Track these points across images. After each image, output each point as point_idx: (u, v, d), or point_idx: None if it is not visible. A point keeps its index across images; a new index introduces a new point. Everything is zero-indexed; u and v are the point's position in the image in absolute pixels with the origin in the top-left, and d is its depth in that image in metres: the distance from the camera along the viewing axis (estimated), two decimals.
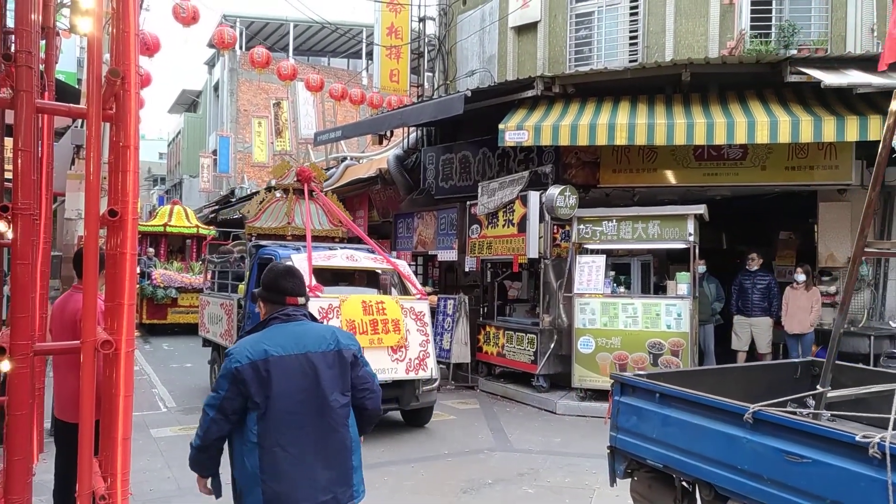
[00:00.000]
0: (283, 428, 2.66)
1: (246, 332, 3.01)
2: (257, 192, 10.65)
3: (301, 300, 2.88)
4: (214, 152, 30.03)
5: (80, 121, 6.67)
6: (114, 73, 2.45)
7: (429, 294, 8.48)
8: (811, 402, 3.96)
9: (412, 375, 6.89)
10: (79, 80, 15.31)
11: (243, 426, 2.68)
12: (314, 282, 6.67)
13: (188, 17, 8.39)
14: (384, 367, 6.67)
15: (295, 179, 8.88)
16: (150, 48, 8.72)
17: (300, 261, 6.85)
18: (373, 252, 8.04)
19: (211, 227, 18.73)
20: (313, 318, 2.94)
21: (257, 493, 2.62)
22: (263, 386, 2.63)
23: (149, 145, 55.67)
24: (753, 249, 9.97)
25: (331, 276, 7.47)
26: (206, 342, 9.78)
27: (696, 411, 3.47)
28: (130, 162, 2.51)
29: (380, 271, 8.26)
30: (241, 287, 8.21)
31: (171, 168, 44.59)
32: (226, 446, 2.76)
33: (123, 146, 2.51)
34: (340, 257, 7.45)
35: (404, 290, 7.78)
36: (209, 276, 10.63)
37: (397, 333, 6.82)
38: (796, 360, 5.15)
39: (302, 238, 8.18)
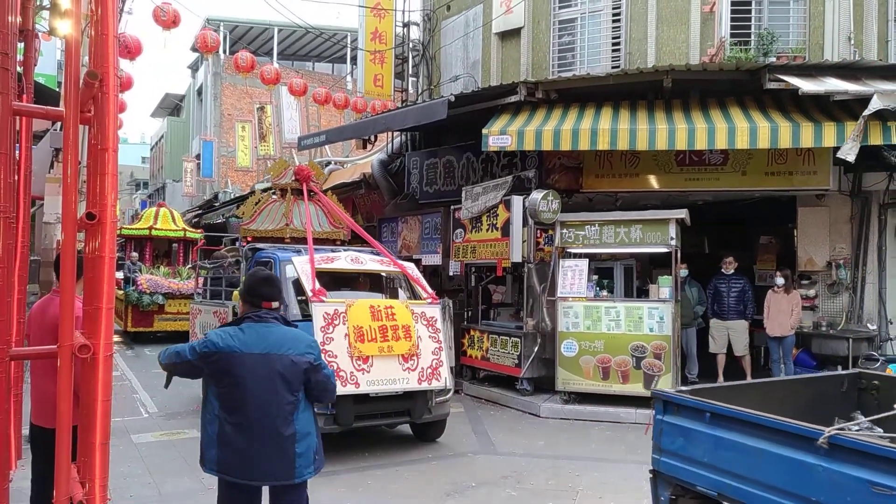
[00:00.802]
0: (237, 410, 3.19)
1: (231, 322, 3.48)
2: (252, 193, 10.29)
3: (275, 304, 3.38)
4: (198, 156, 29.85)
5: (59, 124, 6.60)
6: (92, 75, 2.43)
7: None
8: (860, 417, 3.68)
9: (425, 386, 6.36)
10: (59, 83, 15.14)
11: (208, 400, 3.28)
12: (317, 285, 6.24)
13: (168, 21, 8.34)
14: (395, 376, 6.21)
15: (293, 179, 8.39)
16: (132, 51, 8.66)
17: (301, 263, 6.45)
18: (378, 254, 7.61)
19: (199, 231, 17.96)
20: (285, 322, 3.41)
21: (213, 453, 3.22)
22: (225, 373, 3.19)
23: (131, 149, 55.20)
24: (738, 253, 10.09)
25: (332, 281, 6.91)
26: None
27: (755, 433, 3.12)
28: (109, 165, 2.49)
29: (385, 274, 7.76)
30: (237, 294, 7.94)
31: (154, 172, 44.22)
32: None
33: (102, 149, 2.49)
34: (344, 259, 6.94)
35: (412, 295, 7.33)
36: (200, 283, 10.03)
37: (408, 340, 6.32)
38: (842, 372, 4.88)
39: (301, 241, 7.79)
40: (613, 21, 10.77)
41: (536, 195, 8.56)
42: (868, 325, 9.48)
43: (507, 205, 9.02)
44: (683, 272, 9.08)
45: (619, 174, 9.74)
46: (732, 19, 9.98)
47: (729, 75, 8.61)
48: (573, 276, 8.42)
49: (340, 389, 5.50)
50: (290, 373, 3.23)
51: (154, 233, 15.97)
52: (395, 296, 7.49)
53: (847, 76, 8.22)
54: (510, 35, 11.70)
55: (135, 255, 15.71)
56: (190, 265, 15.49)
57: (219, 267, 9.17)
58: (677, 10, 10.33)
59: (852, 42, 9.86)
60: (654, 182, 9.67)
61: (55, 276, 3.91)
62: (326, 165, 17.10)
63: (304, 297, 6.50)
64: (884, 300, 9.65)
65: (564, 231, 8.64)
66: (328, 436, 5.67)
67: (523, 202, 8.80)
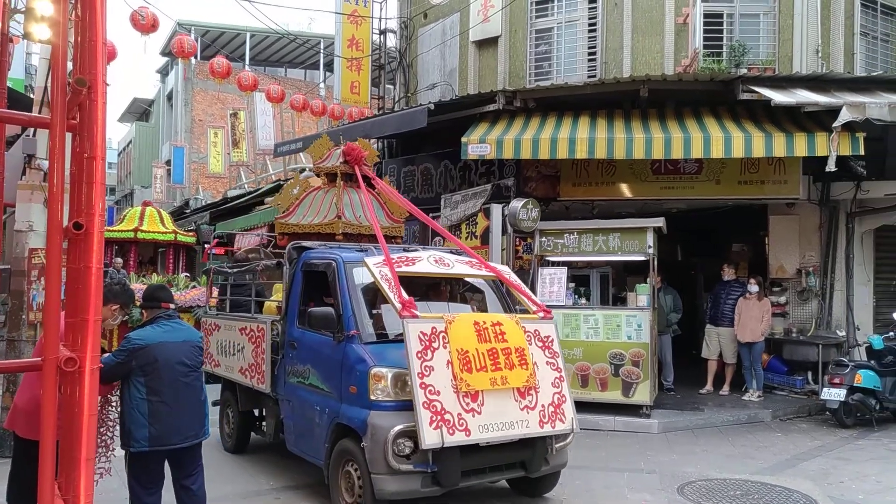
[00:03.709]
0: (164, 388, 4.01)
1: (140, 325, 4.25)
2: (289, 180, 8.52)
3: (172, 305, 4.31)
4: (168, 162, 29.38)
5: (31, 130, 6.45)
6: (80, 82, 2.39)
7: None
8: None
9: (548, 429, 4.81)
10: (27, 87, 14.79)
11: (130, 388, 4.00)
12: (405, 294, 4.75)
13: (147, 25, 8.21)
14: (511, 418, 4.65)
15: (341, 161, 6.87)
16: (107, 56, 8.50)
17: (378, 266, 4.95)
18: (463, 254, 6.01)
19: (191, 234, 15.69)
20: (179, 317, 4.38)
21: (144, 432, 3.96)
22: (151, 361, 3.99)
23: None
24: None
25: (404, 288, 5.09)
26: (213, 378, 7.15)
27: None
28: (97, 173, 2.44)
29: (480, 280, 6.07)
30: (270, 305, 6.49)
31: (122, 178, 43.44)
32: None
33: (89, 157, 2.44)
34: (427, 261, 5.30)
35: (508, 307, 5.86)
36: (215, 293, 8.21)
37: (524, 369, 4.78)
38: None
39: (352, 237, 6.55)
40: (590, 31, 10.91)
41: (517, 203, 8.60)
42: (837, 331, 9.70)
43: (487, 213, 9.05)
44: (652, 281, 9.17)
45: (596, 182, 9.84)
46: (705, 31, 10.17)
47: (703, 86, 8.77)
48: (552, 284, 8.46)
49: (447, 439, 4.33)
50: (195, 354, 4.24)
51: (140, 235, 13.86)
52: (482, 308, 5.98)
53: (817, 88, 8.44)
54: (487, 43, 11.77)
55: (119, 261, 13.66)
56: (203, 272, 13.47)
57: (246, 272, 7.30)
58: (652, 20, 10.51)
59: (820, 54, 10.13)
60: (630, 190, 9.79)
61: None
62: (301, 172, 16.97)
63: (378, 311, 5.33)
64: (851, 307, 9.90)
65: (543, 239, 8.69)
66: None
67: (503, 210, 8.83)
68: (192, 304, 11.84)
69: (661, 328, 9.28)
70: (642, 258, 8.32)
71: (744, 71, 9.30)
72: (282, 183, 16.91)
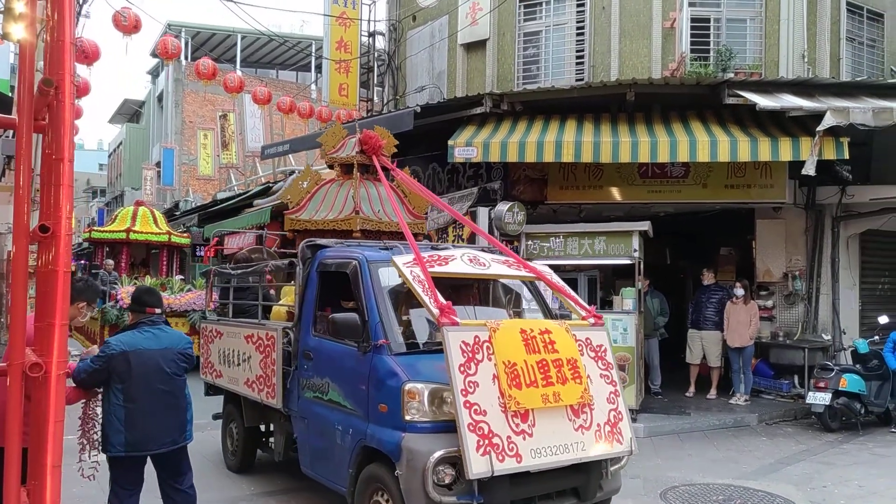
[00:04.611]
0: (141, 395, 3.99)
1: (124, 328, 4.25)
2: (278, 182, 7.94)
3: (158, 310, 4.26)
4: (158, 164, 29.28)
5: (11, 131, 6.38)
6: (47, 82, 2.35)
7: None
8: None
9: (604, 450, 4.25)
10: (12, 87, 14.66)
11: (109, 393, 4.00)
12: (442, 298, 4.13)
13: (129, 26, 8.15)
14: (566, 440, 4.07)
15: (357, 151, 6.24)
16: (89, 56, 8.44)
17: (408, 266, 4.32)
18: (497, 251, 5.49)
19: (185, 235, 15.10)
20: (167, 323, 4.34)
21: (121, 438, 3.96)
22: (129, 368, 3.96)
23: (88, 156, 53.94)
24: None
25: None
26: (214, 390, 6.77)
27: None
28: (64, 175, 2.41)
29: (519, 283, 5.53)
30: (279, 310, 5.99)
31: (112, 180, 43.24)
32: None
33: (57, 159, 2.40)
34: (461, 260, 4.71)
35: (548, 312, 5.44)
36: (215, 296, 7.54)
37: (578, 383, 4.20)
38: None
39: (373, 235, 6.02)
40: (577, 34, 10.93)
41: (502, 207, 8.59)
42: (823, 335, 9.74)
43: (473, 216, 9.04)
44: (638, 285, 9.19)
45: (583, 186, 9.84)
46: (692, 35, 10.20)
47: (690, 90, 8.80)
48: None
49: (497, 466, 3.76)
50: (179, 360, 4.17)
51: (132, 236, 13.38)
52: (518, 313, 5.50)
53: (802, 93, 8.48)
54: (476, 46, 11.77)
55: (110, 262, 13.18)
56: (201, 274, 13.22)
57: (250, 273, 6.47)
58: (639, 24, 10.53)
59: (806, 59, 10.18)
60: (617, 194, 9.79)
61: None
62: (290, 174, 16.93)
63: (407, 317, 4.87)
64: (837, 310, 9.94)
65: (530, 243, 8.68)
66: None
67: (489, 213, 8.82)
68: (188, 308, 11.73)
69: (647, 332, 9.29)
70: (628, 262, 8.32)
71: (730, 75, 9.34)
72: (271, 185, 16.88)
